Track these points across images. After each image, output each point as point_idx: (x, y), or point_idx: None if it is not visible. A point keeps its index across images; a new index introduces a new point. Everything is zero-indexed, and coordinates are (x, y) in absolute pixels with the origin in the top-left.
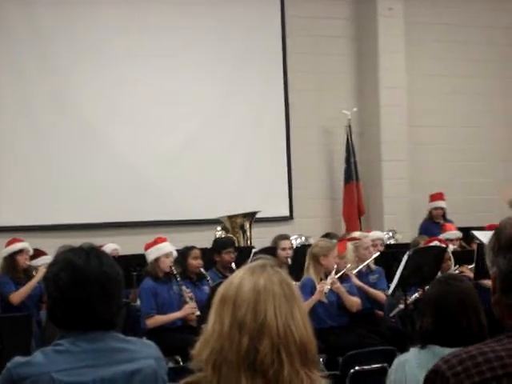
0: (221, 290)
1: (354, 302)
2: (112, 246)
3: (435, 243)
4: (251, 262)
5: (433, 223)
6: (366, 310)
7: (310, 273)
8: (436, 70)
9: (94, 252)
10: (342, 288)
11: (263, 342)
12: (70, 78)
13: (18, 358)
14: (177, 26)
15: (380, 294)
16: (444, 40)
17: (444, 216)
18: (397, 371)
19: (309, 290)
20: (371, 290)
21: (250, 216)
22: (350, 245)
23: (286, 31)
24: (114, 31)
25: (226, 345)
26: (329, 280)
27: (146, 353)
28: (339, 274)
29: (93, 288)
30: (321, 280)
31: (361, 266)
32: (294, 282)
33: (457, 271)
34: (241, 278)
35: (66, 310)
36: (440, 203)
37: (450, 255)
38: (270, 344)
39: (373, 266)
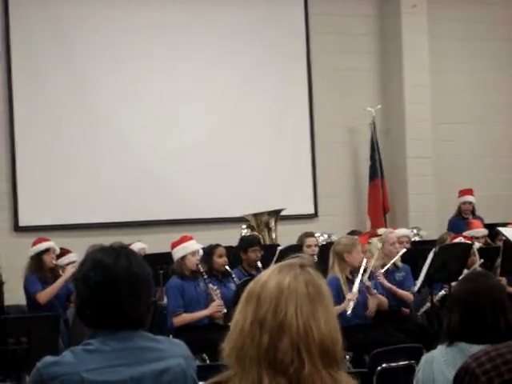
0: (248, 286)
1: (382, 301)
2: (139, 244)
3: (459, 240)
4: (281, 260)
5: (461, 219)
6: (392, 307)
7: (335, 271)
8: (460, 67)
9: (124, 251)
10: (375, 292)
11: (283, 340)
12: (86, 79)
13: (48, 358)
14: (199, 23)
15: (408, 295)
16: (467, 37)
17: (473, 212)
18: (424, 369)
19: (334, 290)
20: (399, 292)
21: (276, 214)
22: (375, 241)
23: (310, 29)
24: (131, 27)
25: (247, 341)
26: (355, 289)
27: (174, 352)
28: (366, 275)
29: (122, 287)
30: (347, 279)
31: (388, 265)
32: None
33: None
34: (268, 276)
35: (96, 309)
36: (468, 198)
37: (475, 251)
38: (289, 342)
39: (399, 264)
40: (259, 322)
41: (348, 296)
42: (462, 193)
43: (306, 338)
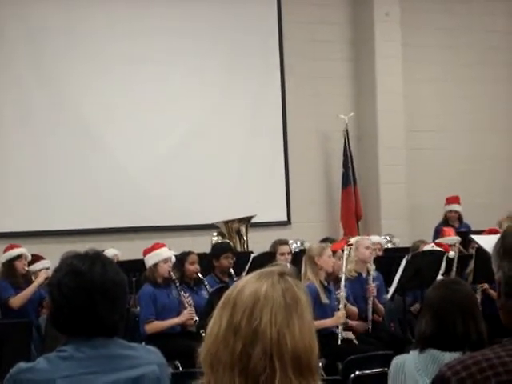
0: (226, 292)
1: (352, 311)
2: (112, 251)
3: (431, 247)
4: (254, 267)
5: (447, 226)
6: (364, 314)
7: (309, 277)
8: (433, 75)
9: (99, 258)
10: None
11: (256, 348)
12: (68, 87)
13: (22, 364)
14: (174, 32)
15: (380, 311)
16: (440, 44)
17: (460, 219)
18: (395, 372)
19: (312, 298)
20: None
21: (246, 221)
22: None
23: (283, 36)
24: (109, 37)
25: (220, 347)
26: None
27: (149, 359)
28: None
29: (97, 294)
30: (323, 286)
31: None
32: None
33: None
34: (245, 283)
35: (70, 316)
36: (454, 206)
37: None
38: (262, 350)
39: (373, 272)
40: (233, 328)
41: (339, 314)
42: (449, 201)
43: (278, 346)
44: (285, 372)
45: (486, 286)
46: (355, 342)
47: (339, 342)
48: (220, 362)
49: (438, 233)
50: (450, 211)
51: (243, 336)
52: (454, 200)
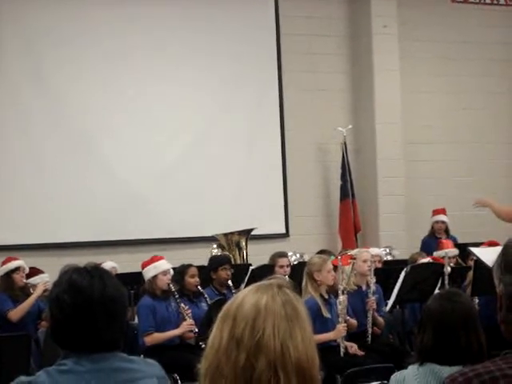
0: (225, 306)
1: (351, 324)
2: (110, 264)
3: (428, 260)
4: (252, 280)
5: (434, 238)
6: (363, 327)
7: (309, 291)
8: (431, 87)
9: (98, 273)
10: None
11: (260, 360)
12: (68, 101)
13: (22, 378)
14: (172, 45)
15: (380, 324)
16: (438, 56)
17: (447, 231)
18: None
19: (313, 313)
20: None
21: (246, 233)
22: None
23: (281, 49)
24: (109, 48)
25: (223, 360)
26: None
27: (149, 372)
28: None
29: (96, 310)
30: (324, 299)
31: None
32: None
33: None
34: (245, 295)
35: (69, 332)
36: (441, 217)
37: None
38: (266, 362)
39: (372, 286)
40: (236, 341)
41: (339, 327)
42: (435, 212)
43: (282, 357)
44: (289, 383)
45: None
46: (360, 353)
47: (341, 355)
48: (222, 375)
49: (425, 245)
50: (437, 222)
51: (246, 348)
52: (440, 211)
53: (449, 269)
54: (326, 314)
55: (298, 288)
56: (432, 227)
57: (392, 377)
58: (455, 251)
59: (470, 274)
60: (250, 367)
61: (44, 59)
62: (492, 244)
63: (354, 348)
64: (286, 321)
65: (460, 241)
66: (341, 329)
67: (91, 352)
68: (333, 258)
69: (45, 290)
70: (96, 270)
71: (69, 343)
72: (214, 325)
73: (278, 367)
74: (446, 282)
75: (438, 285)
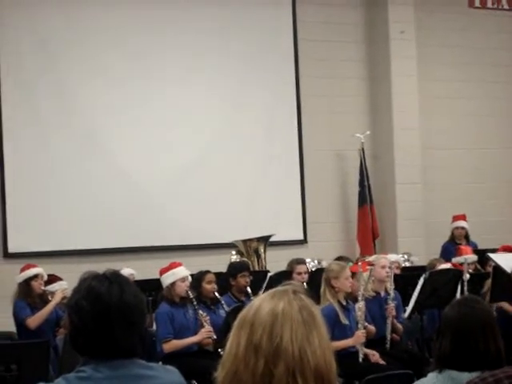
0: (241, 313)
1: (370, 330)
2: (128, 270)
3: (448, 266)
4: (271, 286)
5: (454, 244)
6: (382, 333)
7: (328, 298)
8: (449, 92)
9: (117, 279)
10: (369, 326)
11: (279, 366)
12: (81, 104)
13: None
14: (189, 47)
15: (399, 330)
16: (456, 62)
17: (467, 237)
18: None
19: (332, 320)
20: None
21: (265, 240)
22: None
23: (299, 54)
24: (121, 50)
25: (241, 367)
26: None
27: (168, 379)
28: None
29: (114, 317)
30: (342, 306)
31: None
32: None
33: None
34: (261, 301)
35: (88, 338)
36: (461, 223)
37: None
38: (285, 368)
39: (391, 292)
40: (254, 347)
41: (358, 333)
42: (455, 218)
43: (301, 363)
44: None
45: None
46: (382, 362)
47: (360, 360)
48: (240, 382)
49: (445, 250)
50: (457, 228)
51: (265, 354)
52: (460, 217)
53: (467, 275)
54: (345, 320)
55: (315, 295)
56: (452, 233)
57: None
58: (474, 257)
59: (488, 281)
60: (268, 373)
61: (58, 60)
62: (506, 249)
63: (376, 357)
64: (303, 326)
65: (480, 247)
66: (360, 335)
67: (110, 359)
68: (350, 264)
69: (63, 298)
70: (115, 277)
71: (87, 350)
72: (231, 332)
73: (296, 373)
74: (466, 288)
75: (458, 291)
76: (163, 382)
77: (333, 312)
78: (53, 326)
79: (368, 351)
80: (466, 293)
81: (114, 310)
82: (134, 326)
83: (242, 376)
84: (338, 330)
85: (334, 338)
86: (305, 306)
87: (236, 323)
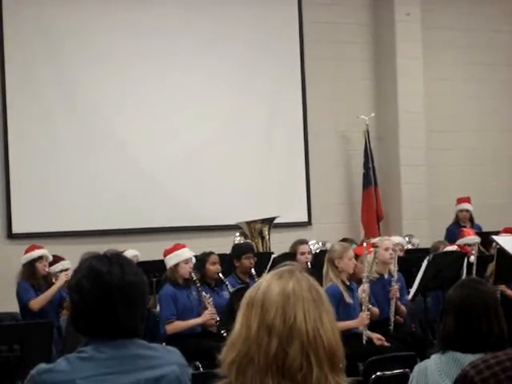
0: (248, 293)
1: (374, 312)
2: (132, 252)
3: (453, 249)
4: (275, 268)
5: (459, 227)
6: (385, 315)
7: (331, 277)
8: (454, 75)
9: (117, 259)
10: (372, 308)
11: (293, 346)
12: (85, 88)
13: (43, 365)
14: (195, 33)
15: (402, 312)
16: (461, 45)
17: (471, 219)
18: (418, 379)
19: (337, 298)
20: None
21: (269, 221)
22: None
23: (304, 37)
24: (126, 33)
25: (253, 348)
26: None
27: (169, 359)
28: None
29: (115, 296)
30: (345, 285)
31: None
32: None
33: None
34: (268, 282)
35: (89, 318)
36: (465, 205)
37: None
38: (299, 348)
39: (394, 274)
40: (267, 327)
41: (363, 315)
42: (459, 200)
43: (315, 342)
44: (321, 368)
45: (503, 287)
46: (386, 344)
47: (364, 342)
48: (252, 363)
49: (450, 233)
50: (461, 210)
51: (278, 335)
52: (464, 200)
53: (472, 258)
54: (349, 299)
55: (319, 276)
56: (456, 216)
57: (415, 367)
58: (476, 239)
59: (491, 265)
60: (282, 354)
61: (62, 46)
62: (509, 231)
63: (381, 341)
64: (314, 305)
65: (484, 229)
66: (364, 317)
67: (111, 339)
68: (354, 246)
69: (67, 280)
70: (115, 257)
71: (88, 329)
72: (239, 313)
73: (310, 352)
74: (474, 270)
75: (464, 273)
76: (164, 363)
77: (337, 291)
78: (56, 307)
79: (374, 335)
80: (473, 275)
81: (115, 290)
82: (135, 305)
83: (254, 356)
84: (342, 309)
85: (338, 317)
86: (312, 285)
87: (244, 304)
